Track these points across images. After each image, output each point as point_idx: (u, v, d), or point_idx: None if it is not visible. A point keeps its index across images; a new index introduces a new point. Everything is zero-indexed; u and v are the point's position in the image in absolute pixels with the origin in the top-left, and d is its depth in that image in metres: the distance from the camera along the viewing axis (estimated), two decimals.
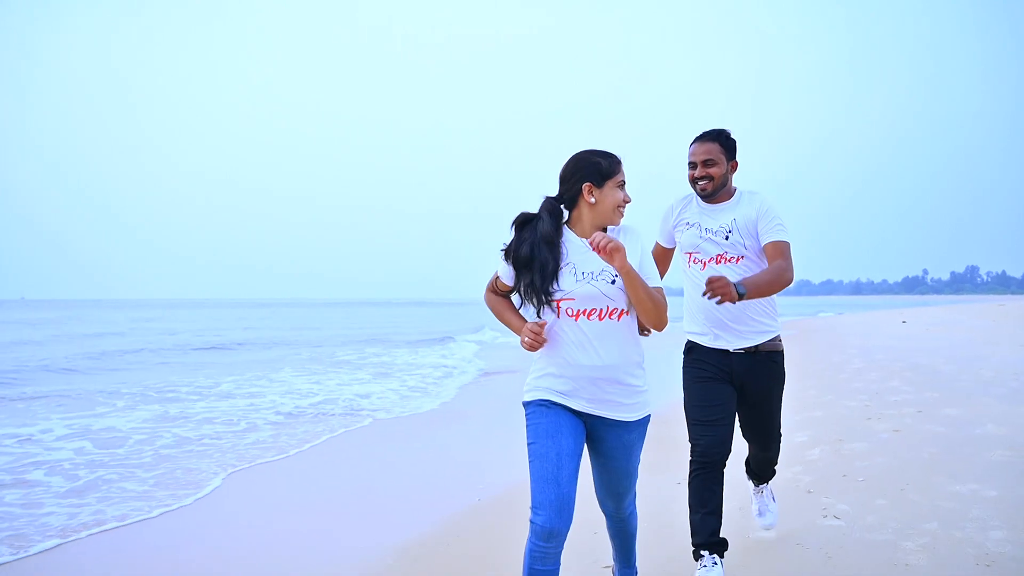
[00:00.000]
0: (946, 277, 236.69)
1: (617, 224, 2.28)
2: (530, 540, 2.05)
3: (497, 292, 2.37)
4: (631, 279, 2.13)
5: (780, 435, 3.12)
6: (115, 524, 3.91)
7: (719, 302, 2.40)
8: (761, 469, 3.23)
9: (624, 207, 2.26)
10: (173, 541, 3.70)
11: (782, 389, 2.96)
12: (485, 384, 10.55)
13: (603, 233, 2.14)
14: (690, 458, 2.80)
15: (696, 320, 2.88)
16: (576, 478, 2.11)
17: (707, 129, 2.83)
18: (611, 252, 2.07)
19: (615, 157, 2.26)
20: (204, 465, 5.37)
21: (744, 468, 3.37)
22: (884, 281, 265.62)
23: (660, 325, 2.23)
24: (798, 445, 5.13)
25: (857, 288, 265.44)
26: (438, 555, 3.36)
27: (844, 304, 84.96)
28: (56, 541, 3.62)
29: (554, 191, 2.30)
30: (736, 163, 2.84)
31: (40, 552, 3.50)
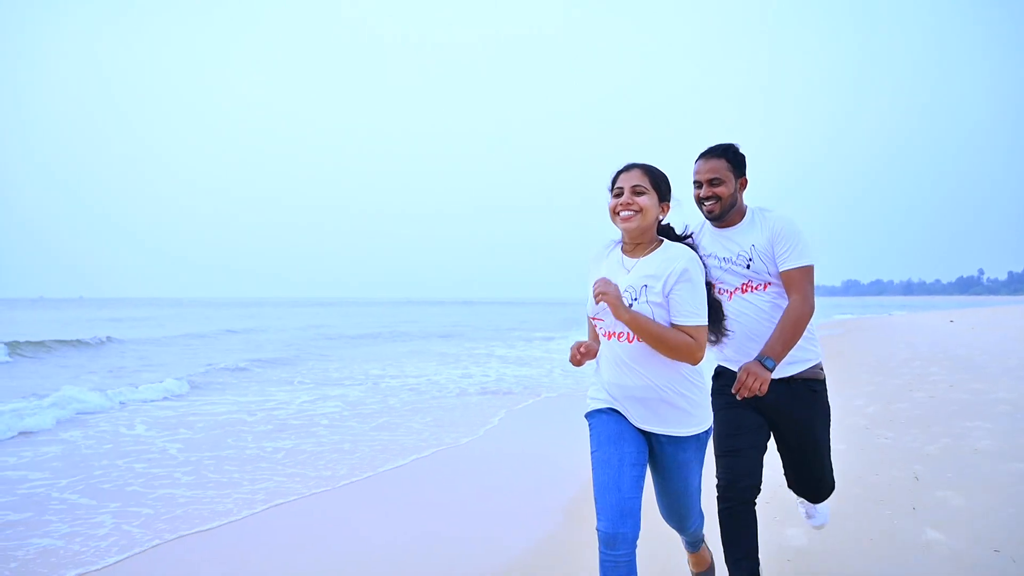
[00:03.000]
0: (1003, 277, 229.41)
1: (621, 229, 2.23)
2: (599, 550, 2.03)
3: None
4: (634, 324, 2.07)
5: (832, 481, 2.82)
6: (448, 445, 6.21)
7: (762, 393, 2.35)
8: (813, 497, 2.90)
9: (621, 210, 2.19)
10: (491, 451, 6.00)
11: (827, 423, 2.71)
12: None
13: (601, 280, 2.12)
14: (716, 495, 2.60)
15: (724, 350, 2.71)
16: (639, 486, 2.10)
17: (712, 145, 2.66)
18: (599, 301, 2.09)
19: (618, 168, 2.29)
20: (457, 416, 7.54)
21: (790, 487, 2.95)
22: (937, 281, 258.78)
23: (690, 361, 2.14)
24: (856, 407, 7.19)
25: (908, 288, 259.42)
26: None
27: (892, 305, 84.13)
28: (414, 457, 5.80)
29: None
30: (745, 180, 2.65)
31: (415, 459, 5.72)
